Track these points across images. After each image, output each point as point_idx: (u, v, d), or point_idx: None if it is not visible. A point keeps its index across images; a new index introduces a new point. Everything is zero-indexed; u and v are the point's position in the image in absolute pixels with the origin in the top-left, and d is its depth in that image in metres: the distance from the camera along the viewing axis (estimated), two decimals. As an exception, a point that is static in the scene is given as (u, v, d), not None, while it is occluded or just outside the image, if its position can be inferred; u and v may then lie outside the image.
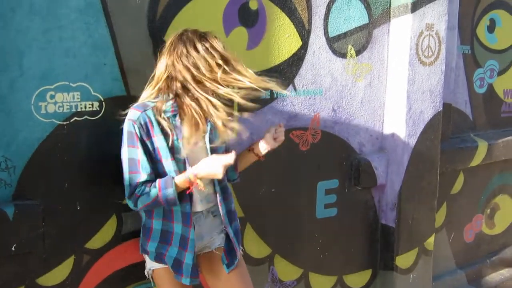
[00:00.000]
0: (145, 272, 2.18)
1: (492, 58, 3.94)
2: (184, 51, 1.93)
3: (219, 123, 1.94)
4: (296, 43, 2.75)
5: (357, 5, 2.95)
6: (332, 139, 2.98)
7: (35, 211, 2.06)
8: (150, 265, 2.14)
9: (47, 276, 2.15)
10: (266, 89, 2.07)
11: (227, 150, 2.18)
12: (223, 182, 2.14)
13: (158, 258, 2.09)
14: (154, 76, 2.01)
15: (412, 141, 3.18)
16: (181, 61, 1.93)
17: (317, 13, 2.80)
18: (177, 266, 2.06)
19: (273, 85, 2.00)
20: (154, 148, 1.99)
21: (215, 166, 1.93)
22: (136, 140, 1.95)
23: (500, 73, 4.03)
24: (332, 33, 2.88)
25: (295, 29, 2.73)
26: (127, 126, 1.97)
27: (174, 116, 1.99)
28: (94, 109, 2.17)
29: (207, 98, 1.93)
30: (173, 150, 1.99)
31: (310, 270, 3.04)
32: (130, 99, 2.12)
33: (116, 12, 2.18)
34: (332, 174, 3.04)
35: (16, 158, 2.04)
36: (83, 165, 2.18)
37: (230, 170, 2.26)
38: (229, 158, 1.93)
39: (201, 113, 1.95)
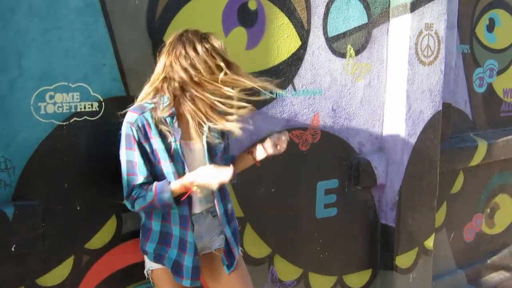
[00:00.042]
0: (145, 272, 2.18)
1: (492, 58, 3.94)
2: (183, 52, 1.92)
3: (217, 124, 1.95)
4: (296, 43, 2.75)
5: (356, 5, 2.95)
6: (331, 139, 2.99)
7: (34, 212, 2.06)
8: (149, 265, 2.14)
9: (47, 276, 2.15)
10: (264, 90, 2.07)
11: (225, 149, 2.18)
12: None
13: (157, 259, 2.09)
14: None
15: (412, 141, 3.18)
16: (179, 61, 1.92)
17: (316, 13, 2.80)
18: (177, 268, 2.06)
19: (270, 86, 2.00)
20: (152, 150, 1.99)
21: (211, 179, 1.92)
22: (134, 143, 1.95)
23: (500, 72, 4.03)
24: (332, 33, 2.88)
25: (294, 29, 2.73)
26: (125, 129, 1.97)
27: (172, 117, 1.99)
28: (94, 109, 2.17)
29: (204, 100, 1.93)
30: (171, 152, 1.99)
31: (310, 270, 3.04)
32: (129, 99, 2.12)
33: (115, 12, 2.18)
34: (332, 174, 3.04)
35: (16, 158, 2.04)
36: (82, 166, 2.18)
37: None
38: (227, 175, 1.90)
39: (198, 114, 1.95)
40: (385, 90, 3.17)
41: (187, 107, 1.96)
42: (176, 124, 1.99)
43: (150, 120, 1.96)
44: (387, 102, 3.17)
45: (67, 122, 2.12)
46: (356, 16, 2.96)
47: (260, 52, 2.63)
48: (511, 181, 4.22)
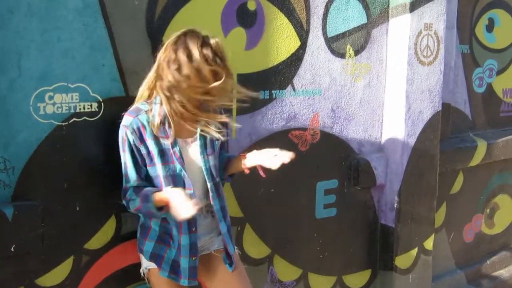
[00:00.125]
0: (140, 270, 2.18)
1: (491, 58, 3.94)
2: (173, 56, 1.89)
3: (208, 127, 1.98)
4: (295, 43, 2.75)
5: (356, 5, 2.95)
6: (331, 139, 2.99)
7: (34, 212, 2.05)
8: (146, 264, 2.14)
9: (47, 276, 2.15)
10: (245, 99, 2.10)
11: (222, 148, 2.19)
12: (216, 179, 2.13)
13: (153, 258, 2.09)
14: None
15: (411, 141, 3.18)
16: (169, 65, 1.90)
17: (316, 13, 2.80)
18: (175, 267, 2.07)
19: (250, 94, 2.04)
20: (148, 152, 2.00)
21: (177, 212, 1.85)
22: (125, 146, 1.99)
23: (499, 72, 4.03)
24: (331, 33, 2.88)
25: (293, 29, 2.73)
26: (120, 132, 2.00)
27: (164, 119, 1.98)
28: (93, 110, 2.17)
29: (194, 102, 1.93)
30: (164, 154, 2.00)
31: (309, 270, 3.04)
32: (129, 99, 2.12)
33: (114, 13, 2.18)
34: (332, 174, 3.04)
35: (15, 159, 2.03)
36: (82, 166, 2.18)
37: (219, 169, 2.21)
38: (189, 212, 1.81)
39: (189, 116, 1.96)
40: (385, 90, 3.17)
41: (176, 109, 1.95)
42: (167, 126, 1.99)
43: (145, 122, 1.97)
44: (387, 102, 3.17)
45: (67, 123, 2.12)
46: (355, 16, 2.96)
47: (260, 53, 2.63)
48: (511, 181, 4.22)
